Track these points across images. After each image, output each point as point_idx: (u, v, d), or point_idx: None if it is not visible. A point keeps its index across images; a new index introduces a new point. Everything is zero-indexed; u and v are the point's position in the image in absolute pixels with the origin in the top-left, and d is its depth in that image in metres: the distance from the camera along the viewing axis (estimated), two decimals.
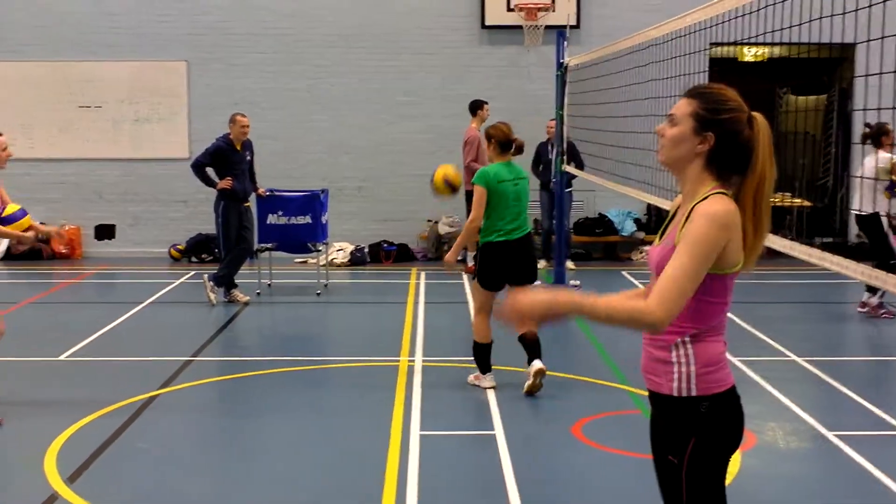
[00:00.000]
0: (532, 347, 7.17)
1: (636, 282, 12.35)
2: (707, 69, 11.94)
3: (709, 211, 2.86)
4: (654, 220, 14.51)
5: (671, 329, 2.94)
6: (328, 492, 5.45)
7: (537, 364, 7.10)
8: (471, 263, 13.08)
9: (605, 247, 14.57)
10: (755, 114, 2.97)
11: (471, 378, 7.48)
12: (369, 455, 5.93)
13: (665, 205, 9.08)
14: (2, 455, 6.18)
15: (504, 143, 7.28)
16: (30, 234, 6.82)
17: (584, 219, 14.54)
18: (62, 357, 8.45)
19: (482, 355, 7.34)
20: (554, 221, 12.39)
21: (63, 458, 5.87)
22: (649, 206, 14.30)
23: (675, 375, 2.97)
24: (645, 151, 8.49)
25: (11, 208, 6.62)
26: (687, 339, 2.96)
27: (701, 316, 2.95)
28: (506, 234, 7.18)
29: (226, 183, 10.61)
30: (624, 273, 13.17)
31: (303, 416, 6.87)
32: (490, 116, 12.91)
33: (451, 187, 7.81)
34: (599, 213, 14.68)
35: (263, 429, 6.62)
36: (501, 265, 7.18)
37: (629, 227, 14.38)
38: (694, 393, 2.95)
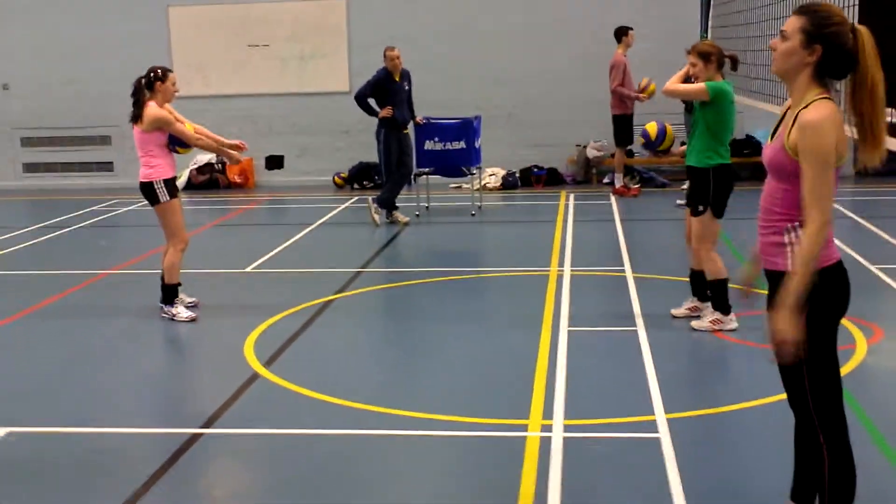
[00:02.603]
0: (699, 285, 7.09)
1: None
2: None
3: (812, 121, 3.33)
4: None
5: (782, 216, 3.48)
6: (486, 380, 6.21)
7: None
8: (619, 185, 13.59)
9: (752, 167, 14.75)
10: (859, 26, 3.41)
11: (705, 323, 6.91)
12: (521, 348, 6.65)
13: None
14: (209, 346, 7.22)
15: (722, 59, 6.83)
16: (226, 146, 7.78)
17: (731, 140, 14.69)
18: (248, 269, 9.49)
19: (722, 293, 6.82)
20: None
21: (259, 347, 6.83)
22: None
23: (789, 254, 3.49)
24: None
25: (188, 127, 7.57)
26: (796, 224, 3.46)
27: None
28: (729, 156, 6.93)
29: (387, 111, 11.42)
30: None
31: (461, 316, 7.65)
32: (635, 42, 13.29)
33: None
34: (747, 135, 14.86)
35: (427, 327, 7.44)
36: (730, 189, 6.89)
37: None
38: None
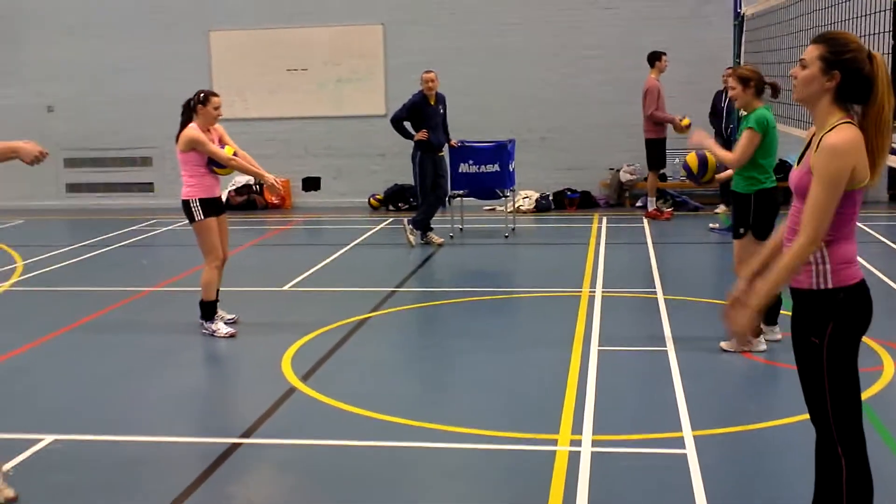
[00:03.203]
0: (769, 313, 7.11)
1: None
2: (890, 7, 11.99)
3: (832, 144, 3.46)
4: None
5: None
6: (517, 395, 6.34)
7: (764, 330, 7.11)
8: (652, 208, 13.69)
9: (785, 191, 14.78)
10: (874, 52, 3.56)
11: (734, 344, 6.94)
12: (552, 366, 6.77)
13: None
14: (248, 360, 7.40)
15: (762, 86, 6.93)
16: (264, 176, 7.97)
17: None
18: (285, 287, 9.69)
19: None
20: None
21: (296, 362, 7.01)
22: None
23: (814, 272, 3.60)
24: None
25: (228, 150, 7.79)
26: (822, 244, 3.58)
27: (832, 226, 3.55)
28: (774, 180, 7.00)
29: (422, 135, 11.63)
30: None
31: (494, 334, 7.79)
32: (668, 66, 13.42)
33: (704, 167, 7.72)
34: (780, 160, 14.90)
35: (460, 345, 7.58)
36: (775, 212, 6.96)
37: None
38: (830, 285, 3.58)
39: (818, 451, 3.79)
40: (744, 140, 6.83)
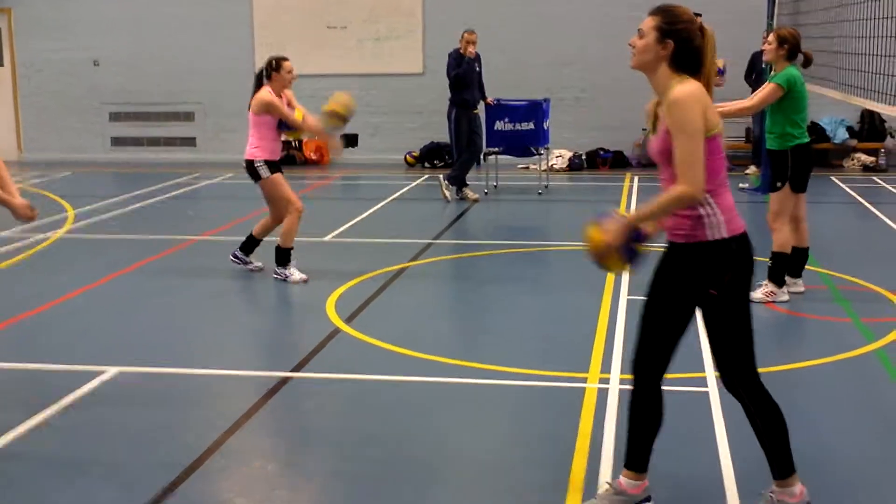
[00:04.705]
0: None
1: (846, 188, 12.86)
2: None
3: (676, 97, 3.68)
4: (867, 128, 14.77)
5: None
6: (549, 337, 6.71)
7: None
8: None
9: (816, 154, 14.94)
10: (705, 25, 3.83)
11: (758, 294, 7.17)
12: (583, 311, 7.13)
13: (880, 108, 9.51)
14: (294, 303, 7.84)
15: (796, 50, 7.15)
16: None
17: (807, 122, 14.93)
18: (326, 238, 10.09)
19: (781, 266, 7.25)
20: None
21: (340, 306, 7.40)
22: (863, 113, 14.58)
23: (707, 224, 3.77)
24: (860, 56, 8.92)
25: (298, 114, 8.17)
26: (708, 196, 3.76)
27: (710, 175, 3.73)
28: (808, 136, 7.22)
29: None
30: (833, 178, 13.64)
31: (528, 284, 8.15)
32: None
33: (339, 117, 8.01)
34: (812, 121, 15.07)
35: (495, 292, 7.94)
36: (811, 166, 7.28)
37: (841, 135, 14.72)
38: (725, 235, 3.77)
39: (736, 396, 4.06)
40: (766, 91, 7.08)
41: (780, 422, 3.98)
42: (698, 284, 3.83)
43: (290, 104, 8.19)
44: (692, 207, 3.76)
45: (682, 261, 3.85)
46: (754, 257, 3.89)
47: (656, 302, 3.95)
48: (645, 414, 4.06)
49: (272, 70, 8.05)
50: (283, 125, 8.12)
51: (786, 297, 7.30)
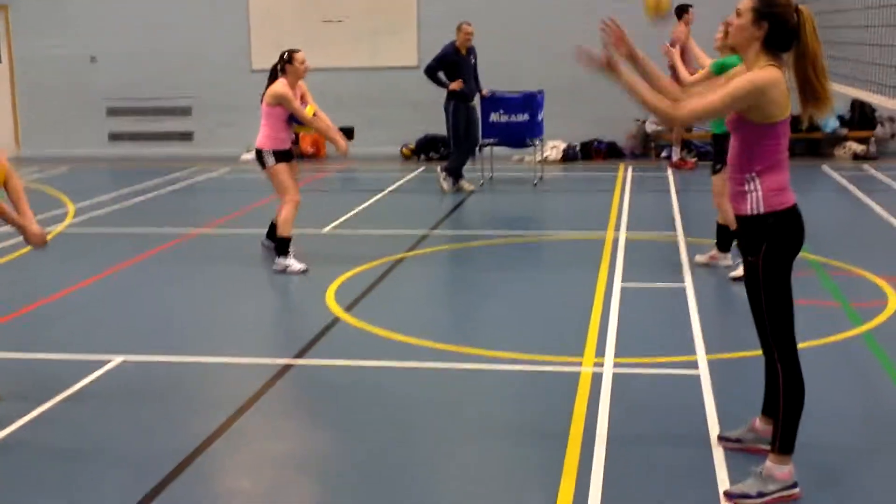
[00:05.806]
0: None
1: (837, 175, 13.01)
2: None
3: (751, 75, 3.98)
4: (858, 117, 14.92)
5: (745, 170, 4.07)
6: (545, 323, 6.86)
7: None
8: (676, 158, 14.07)
9: (807, 143, 15.11)
10: (801, 6, 4.02)
11: (741, 272, 7.82)
12: (578, 298, 7.28)
13: (872, 98, 9.63)
14: (294, 293, 7.99)
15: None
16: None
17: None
18: (324, 230, 10.22)
19: (727, 236, 7.99)
20: None
21: (339, 296, 7.54)
22: (853, 102, 14.71)
23: (748, 199, 4.09)
24: (851, 46, 9.05)
25: (309, 110, 8.32)
26: (754, 174, 4.06)
27: (760, 158, 4.04)
28: None
29: (456, 84, 12.06)
30: (825, 168, 13.78)
31: (523, 272, 8.29)
32: (695, 20, 13.71)
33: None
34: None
35: (491, 281, 8.09)
36: None
37: (832, 124, 14.85)
38: (763, 211, 4.07)
39: (766, 361, 4.29)
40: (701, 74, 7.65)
41: (801, 400, 4.17)
42: (743, 251, 4.26)
43: (303, 97, 8.38)
44: (740, 183, 4.09)
45: (739, 230, 4.26)
46: (802, 235, 4.12)
47: (747, 273, 4.31)
48: (801, 388, 4.18)
49: (285, 62, 8.23)
50: (293, 118, 8.29)
51: (728, 262, 8.00)
